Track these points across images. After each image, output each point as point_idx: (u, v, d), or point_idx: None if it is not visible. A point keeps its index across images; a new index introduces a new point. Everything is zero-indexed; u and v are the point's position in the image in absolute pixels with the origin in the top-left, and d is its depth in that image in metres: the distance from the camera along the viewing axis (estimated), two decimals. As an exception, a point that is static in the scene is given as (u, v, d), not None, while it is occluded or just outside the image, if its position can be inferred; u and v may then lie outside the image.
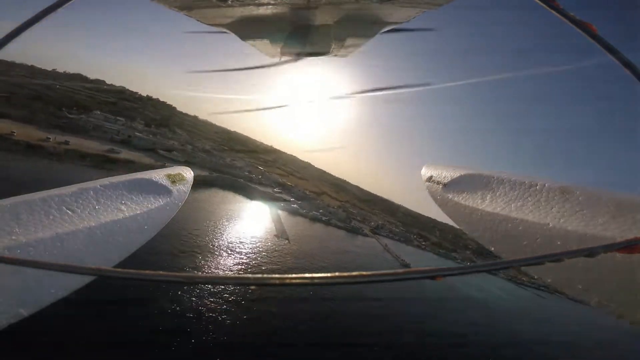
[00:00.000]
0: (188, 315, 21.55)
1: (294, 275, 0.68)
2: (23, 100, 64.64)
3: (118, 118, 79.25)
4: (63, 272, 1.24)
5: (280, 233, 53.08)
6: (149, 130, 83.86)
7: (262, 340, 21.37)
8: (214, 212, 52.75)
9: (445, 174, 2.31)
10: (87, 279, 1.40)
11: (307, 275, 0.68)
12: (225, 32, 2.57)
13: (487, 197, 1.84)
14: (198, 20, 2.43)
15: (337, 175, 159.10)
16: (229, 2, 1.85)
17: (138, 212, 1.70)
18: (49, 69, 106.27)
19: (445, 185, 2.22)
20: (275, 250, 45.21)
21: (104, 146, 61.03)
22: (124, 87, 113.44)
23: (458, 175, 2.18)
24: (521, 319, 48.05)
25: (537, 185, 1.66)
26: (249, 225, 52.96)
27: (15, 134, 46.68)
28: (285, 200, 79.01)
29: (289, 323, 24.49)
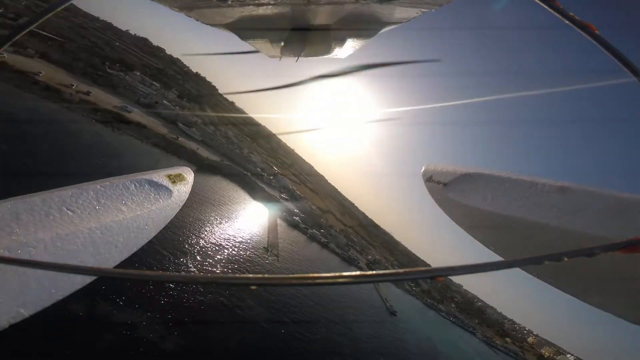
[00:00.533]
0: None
1: (295, 276, 0.69)
2: (74, 47, 64.59)
3: (154, 83, 77.12)
4: (63, 272, 1.25)
5: (271, 246, 47.28)
6: (178, 102, 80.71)
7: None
8: (206, 203, 46.39)
9: (446, 174, 2.30)
10: (87, 279, 1.40)
11: (308, 275, 0.68)
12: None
13: (488, 197, 1.84)
14: (198, 20, 2.42)
15: (346, 196, 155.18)
16: (229, 2, 1.84)
17: (138, 212, 1.70)
18: (124, 29, 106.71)
19: (445, 185, 2.22)
20: (258, 265, 39.27)
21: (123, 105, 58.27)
22: (179, 60, 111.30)
23: (458, 174, 2.18)
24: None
25: (537, 184, 1.66)
26: (239, 229, 46.18)
27: (41, 74, 45.54)
28: (288, 209, 74.56)
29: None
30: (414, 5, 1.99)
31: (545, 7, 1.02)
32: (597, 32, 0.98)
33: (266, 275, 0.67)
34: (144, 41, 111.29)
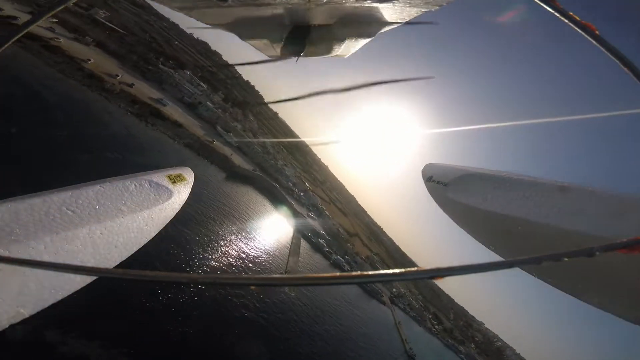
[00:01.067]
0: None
1: (296, 276, 0.69)
2: (134, 40, 64.73)
3: (201, 84, 75.94)
4: (63, 272, 1.25)
5: (290, 273, 40.47)
6: (222, 105, 78.75)
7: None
8: (228, 215, 42.54)
9: (446, 174, 2.30)
10: (87, 279, 1.40)
11: (309, 275, 0.68)
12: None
13: (488, 197, 1.84)
14: (198, 20, 2.42)
15: (375, 220, 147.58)
16: (229, 2, 1.84)
17: (138, 212, 1.70)
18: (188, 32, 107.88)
19: (445, 184, 2.21)
20: (269, 292, 33.81)
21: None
22: (233, 65, 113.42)
23: (458, 174, 2.18)
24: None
25: (537, 184, 1.66)
26: (259, 248, 41.88)
27: (89, 61, 44.57)
28: (314, 230, 68.06)
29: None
30: (414, 5, 1.99)
31: (545, 7, 1.02)
32: (597, 32, 0.98)
33: (266, 276, 0.67)
34: (204, 45, 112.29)
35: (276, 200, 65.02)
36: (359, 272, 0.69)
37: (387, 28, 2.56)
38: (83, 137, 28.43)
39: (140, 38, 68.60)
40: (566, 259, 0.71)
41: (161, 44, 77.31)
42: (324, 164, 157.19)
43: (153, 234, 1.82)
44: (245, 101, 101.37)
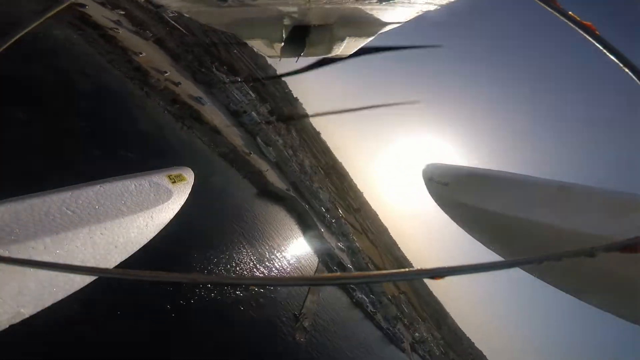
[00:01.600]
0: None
1: (296, 276, 0.69)
2: (193, 41, 63.99)
3: (250, 93, 74.61)
4: (63, 272, 1.25)
5: (304, 315, 35.08)
6: (267, 117, 76.39)
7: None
8: (248, 234, 37.50)
9: (446, 174, 2.30)
10: (87, 279, 1.40)
11: (309, 275, 0.69)
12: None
13: (488, 197, 1.84)
14: (198, 20, 2.42)
15: (406, 254, 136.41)
16: (229, 2, 1.84)
17: (138, 212, 1.70)
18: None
19: (445, 184, 2.21)
20: (275, 338, 27.95)
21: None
22: (284, 82, 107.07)
23: (458, 174, 2.18)
24: None
25: (537, 184, 1.66)
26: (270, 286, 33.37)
27: (141, 55, 43.56)
28: (340, 263, 61.70)
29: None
30: (414, 5, 2.00)
31: (545, 7, 1.02)
32: (597, 32, 0.98)
33: (266, 276, 0.67)
34: (262, 57, 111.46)
35: (306, 226, 60.12)
36: (358, 273, 0.69)
37: (387, 28, 2.56)
38: (106, 132, 26.44)
39: (200, 40, 67.21)
40: (566, 259, 0.71)
41: (219, 49, 75.18)
42: (359, 189, 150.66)
43: (153, 234, 1.82)
44: (291, 117, 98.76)
